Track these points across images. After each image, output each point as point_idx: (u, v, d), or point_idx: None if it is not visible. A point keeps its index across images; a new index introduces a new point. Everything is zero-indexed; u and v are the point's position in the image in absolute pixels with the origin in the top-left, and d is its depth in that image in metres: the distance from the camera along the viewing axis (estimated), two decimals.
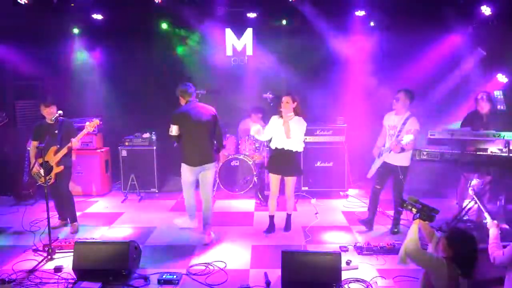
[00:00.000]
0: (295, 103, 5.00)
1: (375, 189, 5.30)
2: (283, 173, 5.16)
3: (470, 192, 4.62)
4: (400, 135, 4.94)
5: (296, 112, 5.02)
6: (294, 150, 5.06)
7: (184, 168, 5.10)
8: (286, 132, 4.93)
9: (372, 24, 7.34)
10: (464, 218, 5.21)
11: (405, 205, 3.54)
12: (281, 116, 5.04)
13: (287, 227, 5.38)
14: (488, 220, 3.65)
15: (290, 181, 5.17)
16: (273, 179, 5.20)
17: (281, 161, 5.11)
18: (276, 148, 5.14)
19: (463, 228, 3.24)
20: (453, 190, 5.82)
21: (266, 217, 5.42)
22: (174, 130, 4.92)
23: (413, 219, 3.41)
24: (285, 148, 5.05)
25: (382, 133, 5.39)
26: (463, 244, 3.03)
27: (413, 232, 3.28)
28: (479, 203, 4.40)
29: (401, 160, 5.03)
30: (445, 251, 3.06)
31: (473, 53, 6.98)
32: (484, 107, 5.34)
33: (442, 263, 3.01)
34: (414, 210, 3.44)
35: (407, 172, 5.11)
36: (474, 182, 4.68)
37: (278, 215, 5.46)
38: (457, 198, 5.63)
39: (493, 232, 3.39)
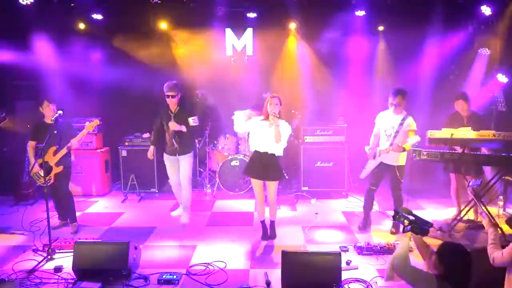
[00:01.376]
0: (281, 106, 4.79)
1: (370, 190, 5.31)
2: (266, 177, 4.89)
3: (469, 192, 4.60)
4: (397, 135, 4.96)
5: (279, 116, 4.71)
6: (276, 154, 4.87)
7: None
8: (277, 135, 4.65)
9: (372, 24, 7.34)
10: (464, 218, 5.22)
11: (397, 216, 3.33)
12: (266, 119, 4.79)
13: (273, 234, 5.09)
14: (486, 220, 3.60)
15: (274, 185, 4.92)
16: (257, 185, 4.95)
17: (264, 165, 4.81)
18: (258, 152, 4.85)
19: (456, 243, 2.98)
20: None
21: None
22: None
23: (404, 231, 3.21)
24: (269, 152, 4.82)
25: (375, 133, 5.34)
26: (454, 261, 2.79)
27: (402, 246, 3.10)
28: (478, 203, 4.40)
29: (398, 159, 5.04)
30: (436, 267, 2.85)
31: (473, 52, 6.98)
32: (463, 109, 5.33)
33: (432, 281, 2.80)
34: (406, 222, 3.22)
35: (403, 171, 5.12)
36: (473, 182, 4.66)
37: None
38: (455, 199, 5.63)
39: (491, 232, 3.32)
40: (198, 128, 5.60)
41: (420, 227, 3.18)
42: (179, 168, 5.61)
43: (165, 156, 5.63)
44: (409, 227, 3.20)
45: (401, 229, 3.38)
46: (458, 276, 2.78)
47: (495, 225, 3.40)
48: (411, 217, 3.25)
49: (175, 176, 5.68)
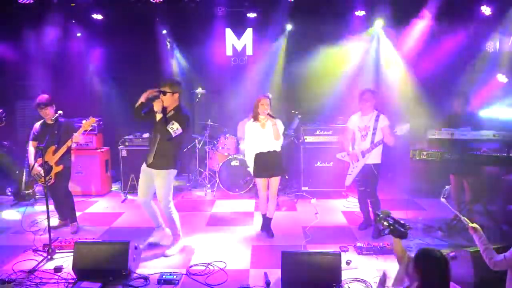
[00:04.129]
0: (271, 106, 4.90)
1: (361, 191, 5.33)
2: (270, 174, 5.03)
3: (442, 200, 4.31)
4: (376, 132, 5.03)
5: (270, 114, 4.89)
6: (278, 150, 5.03)
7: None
8: (276, 134, 4.85)
9: (372, 23, 7.35)
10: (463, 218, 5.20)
11: (378, 219, 3.25)
12: (256, 120, 4.93)
13: (269, 232, 5.16)
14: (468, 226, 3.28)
15: (276, 181, 5.07)
16: (262, 184, 5.07)
17: (269, 163, 4.99)
18: (261, 153, 5.00)
19: (433, 248, 2.73)
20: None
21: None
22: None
23: (382, 234, 3.14)
24: (271, 150, 4.98)
25: (347, 137, 5.37)
26: (429, 265, 2.54)
27: (396, 250, 3.05)
28: (452, 210, 4.16)
29: (375, 158, 5.10)
30: (414, 276, 2.60)
31: (473, 52, 6.98)
32: (463, 109, 5.31)
33: None
34: (385, 224, 3.14)
35: (379, 169, 5.16)
36: (447, 187, 4.52)
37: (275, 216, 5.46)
38: (454, 200, 5.62)
39: (477, 237, 3.13)
40: (183, 137, 4.63)
41: (398, 230, 3.09)
42: (152, 185, 4.64)
43: (143, 166, 4.70)
44: (387, 230, 3.13)
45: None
46: (434, 282, 2.53)
47: (476, 229, 3.19)
48: (390, 219, 3.16)
49: (145, 194, 4.66)
